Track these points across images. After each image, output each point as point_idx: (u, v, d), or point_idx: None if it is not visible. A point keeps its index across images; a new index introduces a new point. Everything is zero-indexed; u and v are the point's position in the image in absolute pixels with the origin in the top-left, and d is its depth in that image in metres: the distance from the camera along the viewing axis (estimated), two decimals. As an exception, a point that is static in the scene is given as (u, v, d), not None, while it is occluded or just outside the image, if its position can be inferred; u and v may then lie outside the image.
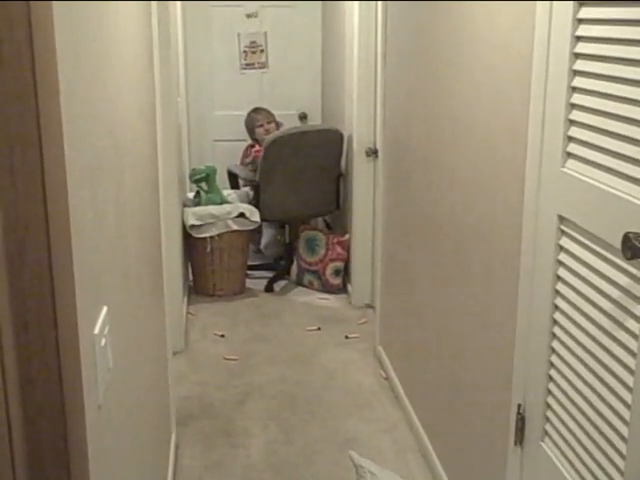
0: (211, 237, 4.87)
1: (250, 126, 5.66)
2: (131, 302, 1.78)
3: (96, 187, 1.31)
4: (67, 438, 0.98)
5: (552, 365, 1.89)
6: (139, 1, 2.33)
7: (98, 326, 1.26)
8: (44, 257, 0.91)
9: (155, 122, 2.74)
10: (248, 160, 5.58)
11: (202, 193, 5.04)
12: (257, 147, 5.52)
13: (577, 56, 1.71)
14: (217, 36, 6.07)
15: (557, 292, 1.85)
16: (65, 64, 1.07)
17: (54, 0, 0.98)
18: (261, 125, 5.57)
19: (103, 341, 1.29)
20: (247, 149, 5.68)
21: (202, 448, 3.24)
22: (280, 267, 5.38)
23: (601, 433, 1.64)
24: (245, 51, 6.14)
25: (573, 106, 1.74)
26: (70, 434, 0.99)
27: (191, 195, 5.18)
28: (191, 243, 4.92)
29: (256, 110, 5.71)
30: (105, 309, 1.34)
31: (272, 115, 5.70)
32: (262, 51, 6.15)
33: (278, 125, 5.62)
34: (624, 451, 1.53)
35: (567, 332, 1.80)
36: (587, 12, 1.66)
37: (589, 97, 1.66)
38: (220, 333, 4.45)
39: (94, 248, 1.27)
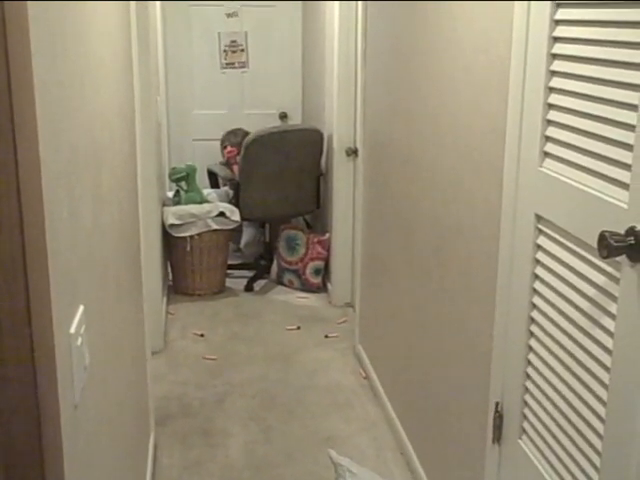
0: (191, 236, 4.85)
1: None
2: (109, 301, 1.77)
3: (72, 185, 1.30)
4: (42, 437, 0.98)
5: (529, 363, 1.90)
6: (118, 1, 2.32)
7: (74, 325, 1.25)
8: (18, 255, 0.91)
9: (134, 121, 2.72)
10: (222, 161, 5.58)
11: (182, 192, 5.02)
12: (229, 148, 5.52)
13: (554, 57, 1.72)
14: (197, 35, 6.05)
15: (534, 291, 1.86)
16: (40, 62, 1.06)
17: (30, 0, 0.97)
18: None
19: (79, 340, 1.28)
20: (222, 150, 5.68)
21: (181, 448, 3.23)
22: (260, 266, 5.37)
23: (577, 430, 1.65)
24: (225, 50, 6.13)
25: (550, 106, 1.75)
26: (45, 433, 0.98)
27: (171, 194, 5.16)
28: (171, 242, 4.90)
29: (236, 133, 5.71)
30: (82, 308, 1.33)
31: (246, 132, 5.71)
32: (242, 50, 6.14)
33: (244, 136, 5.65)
34: (600, 448, 1.55)
35: (544, 330, 1.81)
36: (564, 13, 1.67)
37: (566, 97, 1.68)
38: (200, 332, 4.44)
39: (70, 246, 1.26)
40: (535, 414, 1.88)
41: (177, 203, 4.98)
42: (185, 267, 4.95)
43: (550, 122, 1.75)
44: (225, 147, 5.63)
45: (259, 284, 5.24)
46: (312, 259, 5.06)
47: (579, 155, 1.63)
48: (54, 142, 1.15)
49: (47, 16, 1.14)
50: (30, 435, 0.97)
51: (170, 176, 5.10)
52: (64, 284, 1.19)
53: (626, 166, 1.44)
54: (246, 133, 5.69)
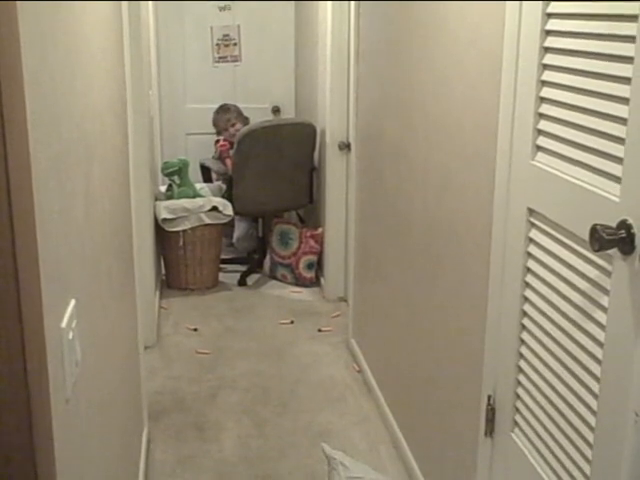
0: (184, 231, 4.84)
1: (222, 126, 5.62)
2: (101, 295, 1.77)
3: (63, 179, 1.29)
4: (33, 432, 0.97)
5: (521, 356, 1.91)
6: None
7: (65, 319, 1.25)
8: (8, 249, 0.90)
9: (126, 115, 2.71)
10: (215, 155, 5.57)
11: (174, 186, 5.01)
12: (222, 142, 5.50)
13: (546, 50, 1.72)
14: (190, 29, 6.03)
15: (527, 284, 1.86)
16: (30, 56, 1.06)
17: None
18: (234, 124, 5.55)
19: (71, 334, 1.27)
20: (215, 144, 5.67)
21: (174, 442, 3.23)
22: (253, 261, 5.36)
23: (569, 423, 1.66)
24: (218, 44, 6.10)
25: (542, 100, 1.75)
26: (36, 428, 0.98)
27: (163, 188, 5.15)
28: (163, 237, 4.89)
29: (225, 109, 5.67)
30: (73, 302, 1.33)
31: (240, 110, 5.68)
32: (235, 44, 6.12)
33: (246, 121, 5.60)
34: (591, 440, 1.55)
35: (536, 323, 1.81)
36: (556, 7, 1.67)
37: (558, 91, 1.68)
38: (193, 327, 4.43)
39: (61, 240, 1.26)
40: (527, 407, 1.89)
41: (170, 197, 4.97)
42: (178, 261, 4.94)
43: (542, 115, 1.75)
44: (217, 141, 5.61)
45: (252, 278, 5.24)
46: (305, 253, 5.06)
47: (571, 148, 1.63)
48: (44, 136, 1.14)
49: (37, 10, 1.13)
50: (21, 430, 0.97)
51: (163, 170, 5.09)
52: (55, 278, 1.19)
53: (618, 159, 1.44)
54: (237, 108, 5.66)
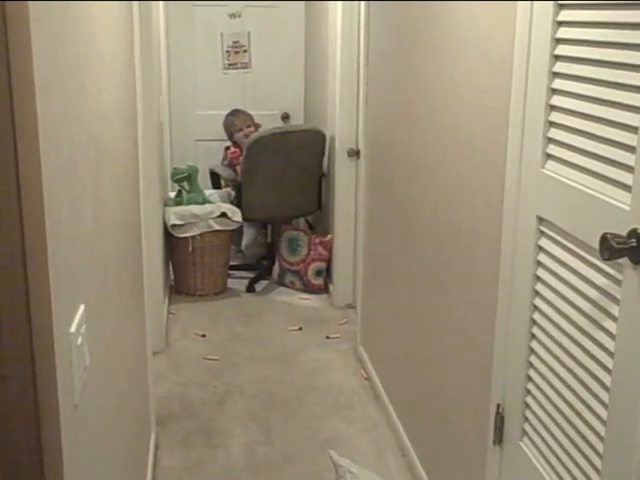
0: (193, 237, 4.85)
1: (229, 130, 5.64)
2: (110, 301, 1.77)
3: (73, 184, 1.30)
4: (41, 437, 0.97)
5: (531, 365, 1.90)
6: (121, 0, 2.32)
7: (75, 325, 1.25)
8: (18, 253, 0.90)
9: (136, 121, 2.72)
10: (225, 162, 5.57)
11: (184, 192, 5.02)
12: (232, 149, 5.51)
13: (557, 58, 1.72)
14: (200, 36, 6.05)
15: (536, 293, 1.85)
16: (41, 61, 1.06)
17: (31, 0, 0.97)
18: (240, 130, 5.55)
19: (80, 340, 1.28)
20: (224, 151, 5.68)
21: (182, 448, 3.23)
22: (262, 267, 5.36)
23: (579, 432, 1.65)
24: (228, 51, 6.12)
25: (553, 108, 1.74)
26: (44, 433, 0.98)
27: (172, 194, 5.16)
28: (172, 243, 4.90)
29: (234, 113, 5.68)
30: (82, 307, 1.33)
31: (250, 117, 5.67)
32: (245, 51, 6.13)
33: (257, 127, 5.60)
34: (601, 450, 1.54)
35: (546, 332, 1.81)
36: (567, 15, 1.67)
37: (568, 99, 1.67)
38: (201, 333, 4.43)
39: (71, 245, 1.26)
40: (536, 416, 1.88)
41: (179, 203, 4.98)
42: (187, 267, 4.95)
43: (552, 124, 1.75)
44: (227, 147, 5.62)
45: (261, 285, 5.24)
46: (314, 260, 5.06)
47: (581, 157, 1.63)
48: (55, 140, 1.15)
49: (48, 14, 1.13)
50: (29, 435, 0.97)
51: (172, 176, 5.10)
52: (64, 283, 1.19)
53: (628, 168, 1.43)
54: (247, 114, 5.66)
